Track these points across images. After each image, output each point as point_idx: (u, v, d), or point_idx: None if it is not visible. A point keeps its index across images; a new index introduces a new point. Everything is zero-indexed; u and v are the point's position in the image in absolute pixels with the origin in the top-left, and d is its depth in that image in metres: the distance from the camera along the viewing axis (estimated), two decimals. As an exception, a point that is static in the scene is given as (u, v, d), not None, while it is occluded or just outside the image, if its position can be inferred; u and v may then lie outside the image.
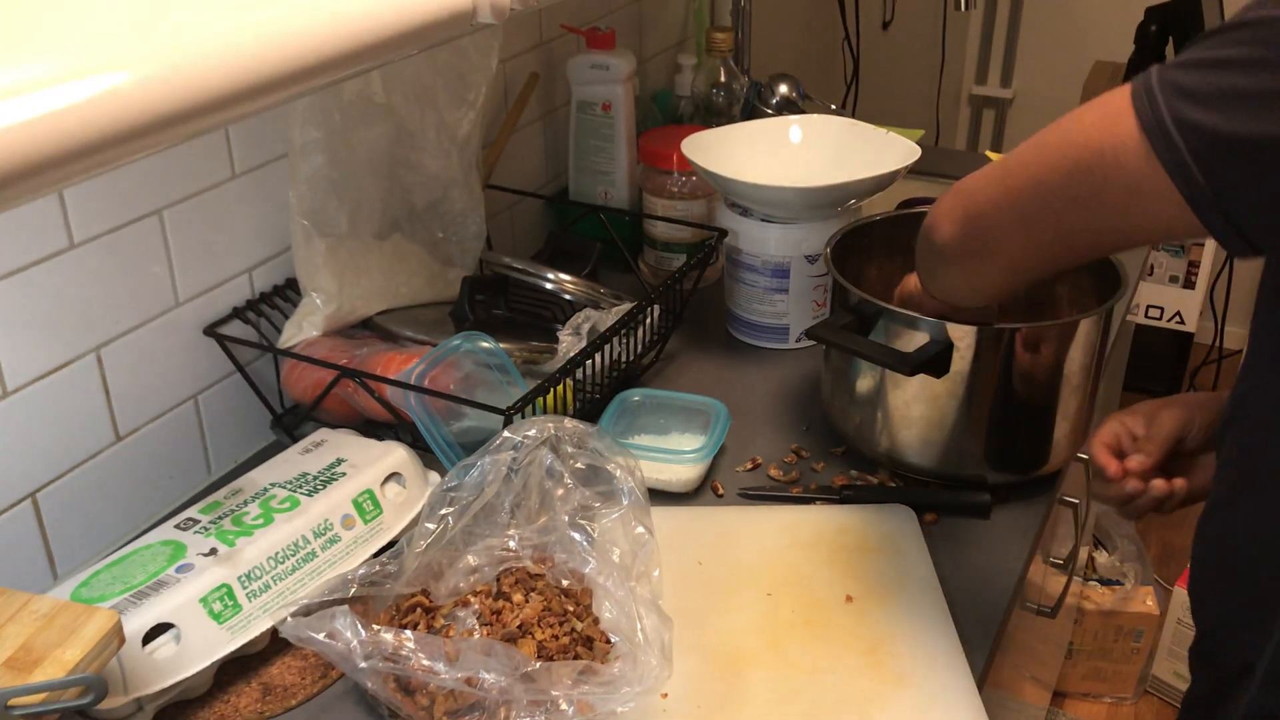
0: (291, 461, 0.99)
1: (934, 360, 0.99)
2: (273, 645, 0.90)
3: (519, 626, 0.84)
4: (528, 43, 1.45)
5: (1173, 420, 0.90)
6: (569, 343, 1.12)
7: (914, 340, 1.00)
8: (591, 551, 0.88)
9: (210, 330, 1.07)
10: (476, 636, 0.83)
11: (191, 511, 0.93)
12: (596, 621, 0.86)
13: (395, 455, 1.00)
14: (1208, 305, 2.68)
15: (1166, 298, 2.57)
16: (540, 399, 1.01)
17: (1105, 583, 2.16)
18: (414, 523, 0.94)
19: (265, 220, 1.12)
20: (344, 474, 0.97)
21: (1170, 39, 2.20)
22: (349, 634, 0.77)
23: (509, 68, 1.42)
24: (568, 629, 0.85)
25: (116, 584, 0.84)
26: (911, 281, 0.99)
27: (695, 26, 1.82)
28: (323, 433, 1.04)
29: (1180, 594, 2.09)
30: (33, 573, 0.96)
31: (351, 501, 0.95)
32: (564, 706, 0.77)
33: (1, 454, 0.91)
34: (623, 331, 1.14)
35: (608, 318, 1.15)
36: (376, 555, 0.93)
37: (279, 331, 1.12)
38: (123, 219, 0.97)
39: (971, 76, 2.98)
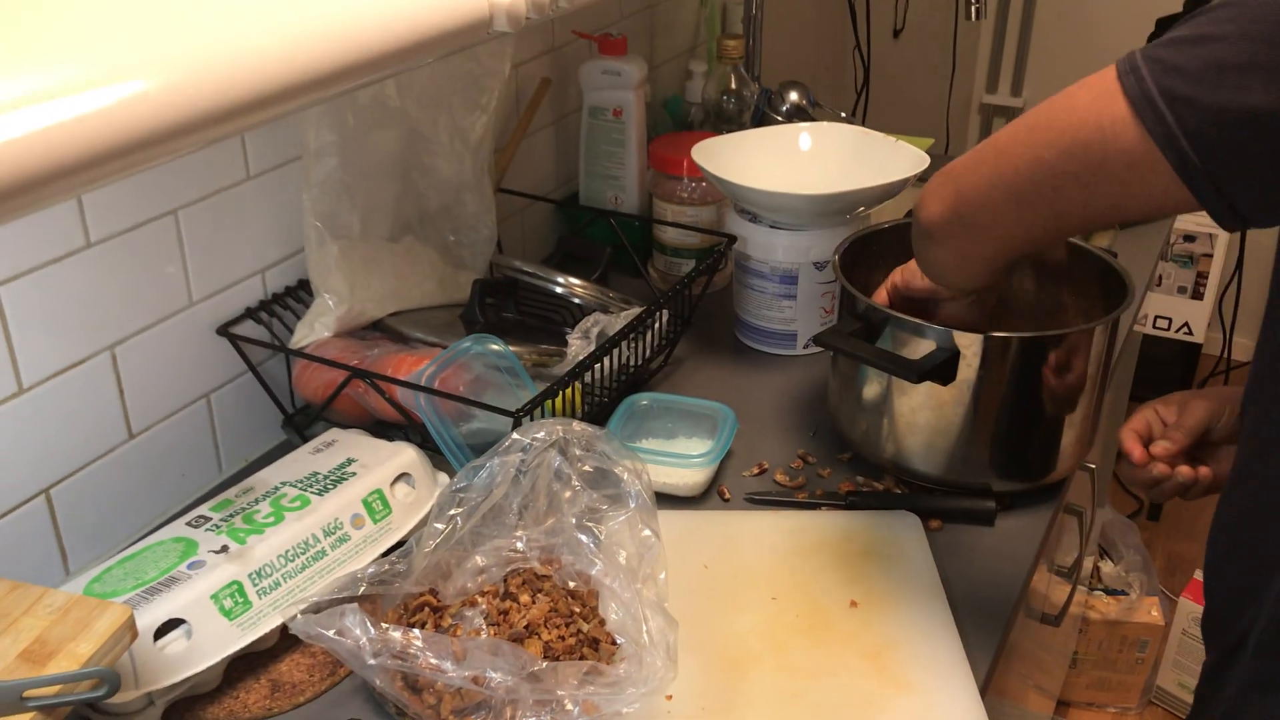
0: (302, 461, 1.00)
1: (940, 368, 1.00)
2: (282, 642, 0.90)
3: (525, 627, 0.85)
4: (540, 48, 1.46)
5: (1202, 409, 0.93)
6: (578, 346, 1.13)
7: (921, 348, 1.01)
8: (598, 553, 0.89)
9: (223, 330, 1.08)
10: (483, 636, 0.84)
11: (203, 509, 0.94)
12: (602, 623, 0.87)
13: (405, 456, 1.01)
14: (1216, 316, 2.68)
15: (1174, 308, 2.57)
16: (549, 402, 1.02)
17: (1110, 592, 2.16)
18: (423, 523, 0.95)
19: (279, 222, 1.13)
20: (354, 474, 0.98)
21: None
22: (358, 631, 0.78)
23: (521, 73, 1.43)
24: (574, 630, 0.86)
25: (129, 579, 0.85)
26: (898, 274, 1.01)
27: (707, 33, 1.83)
28: (333, 433, 1.05)
29: (1186, 605, 2.09)
30: (46, 568, 0.97)
31: (361, 501, 0.96)
32: (569, 706, 0.78)
33: (16, 450, 0.93)
34: (631, 335, 1.15)
35: (616, 322, 1.16)
36: (385, 554, 0.94)
37: (291, 332, 1.13)
38: (138, 219, 0.99)
39: (982, 85, 2.99)
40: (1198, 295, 2.55)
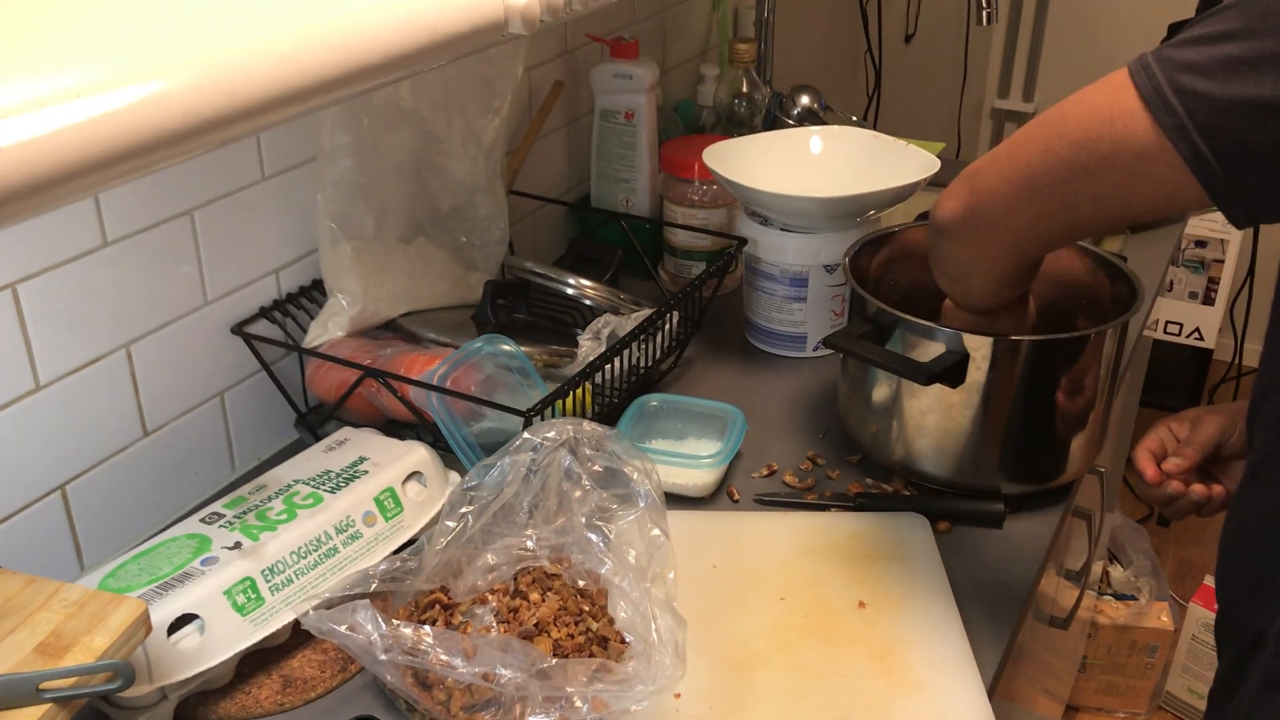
0: (315, 459, 1.01)
1: (950, 370, 1.00)
2: (294, 638, 0.91)
3: (535, 625, 0.86)
4: (552, 51, 1.47)
5: (1214, 425, 0.95)
6: (589, 347, 1.14)
7: (930, 350, 1.01)
8: (608, 553, 0.89)
9: (238, 329, 1.09)
10: (494, 634, 0.84)
11: (216, 506, 0.95)
12: (612, 621, 0.88)
13: (416, 454, 1.01)
14: (1227, 321, 2.68)
15: (1185, 314, 2.57)
16: (559, 402, 1.03)
17: (1120, 597, 2.15)
18: (434, 521, 0.96)
19: (293, 222, 1.14)
20: (366, 472, 0.98)
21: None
22: (370, 627, 0.79)
23: (534, 76, 1.44)
24: (583, 628, 0.87)
25: (143, 575, 0.86)
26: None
27: (718, 37, 1.83)
28: (345, 431, 1.06)
29: (1195, 610, 2.09)
30: (61, 563, 0.98)
31: (373, 499, 0.96)
32: (578, 704, 0.78)
33: (32, 447, 0.94)
34: (641, 337, 1.16)
35: (627, 323, 1.16)
36: (397, 552, 0.94)
37: (304, 331, 1.14)
38: (155, 218, 1.00)
39: (994, 90, 2.99)
40: (1209, 301, 2.55)
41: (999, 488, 1.07)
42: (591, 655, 0.85)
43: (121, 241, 0.97)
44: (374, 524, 0.96)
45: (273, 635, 0.88)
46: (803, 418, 1.23)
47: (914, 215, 1.56)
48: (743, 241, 1.32)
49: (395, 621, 0.80)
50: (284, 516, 0.92)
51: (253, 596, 0.86)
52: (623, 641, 0.86)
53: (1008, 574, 1.01)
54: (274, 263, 1.13)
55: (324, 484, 0.97)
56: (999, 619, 0.96)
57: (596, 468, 0.93)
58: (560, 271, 1.29)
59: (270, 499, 0.95)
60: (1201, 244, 2.50)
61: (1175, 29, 2.24)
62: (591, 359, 1.10)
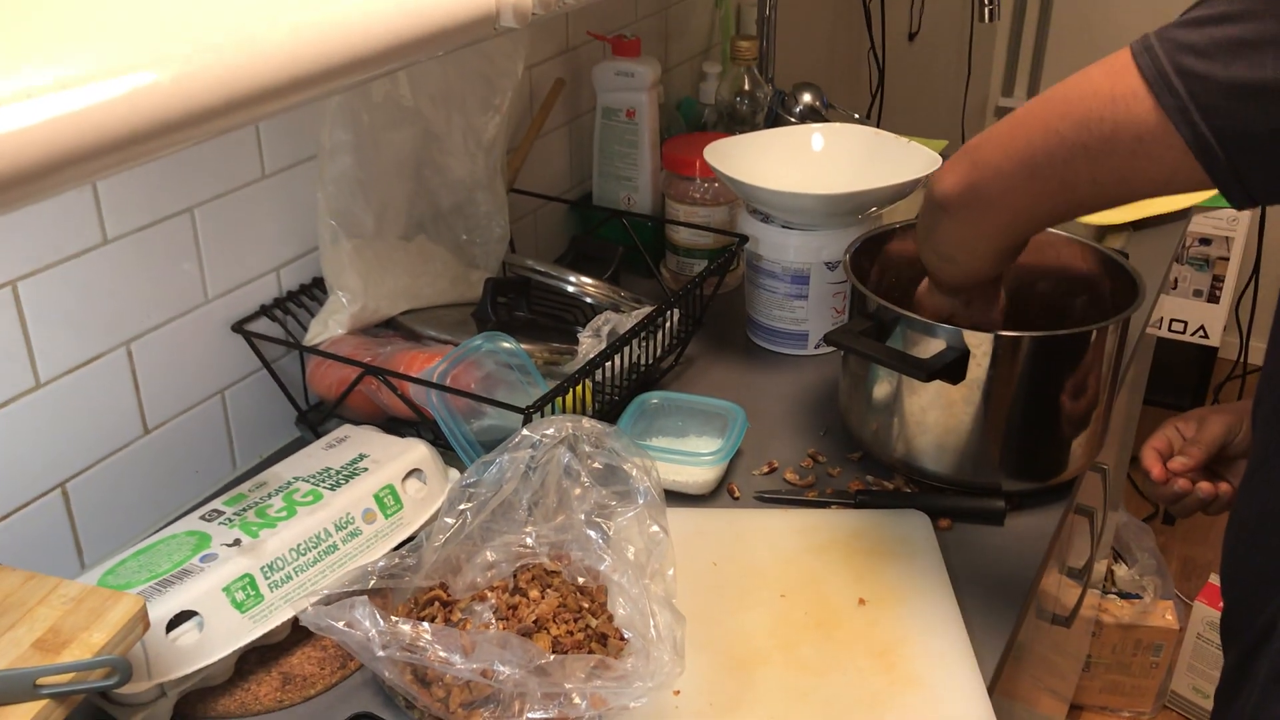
0: (315, 456, 1.01)
1: (950, 367, 1.00)
2: (293, 635, 0.91)
3: (535, 622, 0.86)
4: (554, 49, 1.47)
5: (1220, 425, 0.96)
6: (589, 344, 1.14)
7: (931, 347, 1.01)
8: (607, 549, 0.89)
9: (238, 327, 1.09)
10: (492, 630, 0.84)
11: (216, 503, 0.95)
12: (611, 619, 0.88)
13: (416, 452, 1.01)
14: (1232, 319, 2.67)
15: (1190, 311, 2.56)
16: (559, 399, 1.03)
17: (1124, 596, 2.15)
18: (434, 518, 0.96)
19: (293, 220, 1.14)
20: (366, 469, 0.98)
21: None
22: (368, 623, 0.79)
23: (535, 74, 1.44)
24: (582, 625, 0.87)
25: (142, 572, 0.86)
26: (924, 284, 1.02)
27: (720, 35, 1.83)
28: (346, 429, 1.06)
29: (1200, 609, 2.08)
30: (61, 561, 0.98)
31: (373, 496, 0.96)
32: (577, 700, 0.78)
33: (33, 444, 0.94)
34: (642, 334, 1.16)
35: (627, 321, 1.16)
36: (396, 549, 0.94)
37: (305, 329, 1.14)
38: (155, 216, 1.00)
39: (998, 88, 2.99)
40: (1213, 299, 2.54)
41: (1000, 485, 1.07)
42: (591, 652, 0.84)
43: (122, 239, 0.97)
44: (374, 521, 0.96)
45: (272, 632, 0.88)
46: (804, 415, 1.23)
47: (915, 212, 1.56)
48: (744, 239, 1.31)
49: (394, 618, 0.80)
50: (284, 514, 0.92)
51: (252, 593, 0.86)
52: (622, 638, 0.86)
53: (1008, 571, 1.01)
54: (274, 260, 1.13)
55: (324, 481, 0.97)
56: (1000, 616, 0.96)
57: (596, 465, 0.93)
58: (561, 269, 1.29)
59: (270, 496, 0.95)
60: (1206, 241, 2.50)
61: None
62: (591, 356, 1.10)
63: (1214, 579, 2.13)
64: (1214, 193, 0.69)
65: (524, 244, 1.47)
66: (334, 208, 1.11)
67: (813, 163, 1.41)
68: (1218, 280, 2.52)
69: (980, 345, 1.00)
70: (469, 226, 1.26)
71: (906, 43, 2.84)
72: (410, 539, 0.96)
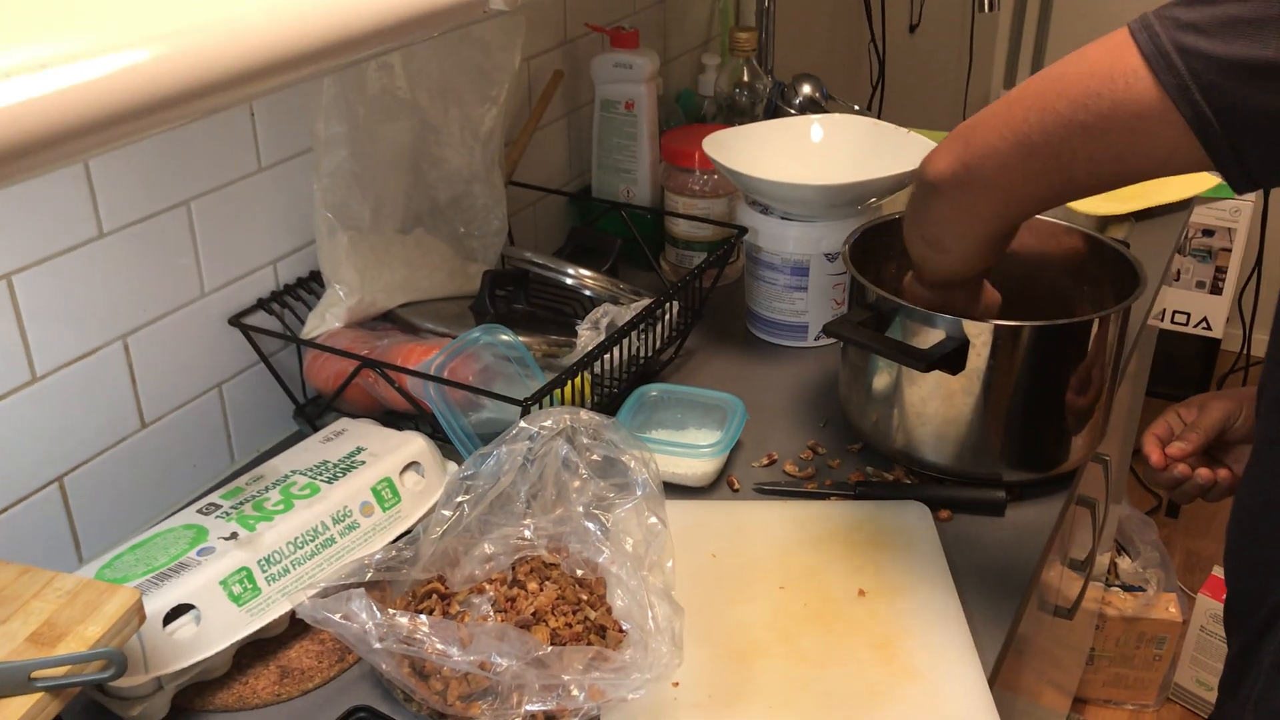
0: (312, 450, 1.01)
1: (949, 357, 1.00)
2: (291, 629, 0.91)
3: (533, 614, 0.85)
4: (552, 41, 1.47)
5: (1219, 410, 0.96)
6: (587, 337, 1.13)
7: (930, 337, 1.01)
8: (605, 541, 0.89)
9: (235, 320, 1.09)
10: (491, 622, 0.84)
11: (213, 497, 0.95)
12: (610, 611, 0.87)
13: (414, 445, 1.01)
14: (1235, 311, 2.66)
15: (1193, 303, 2.55)
16: (558, 391, 1.02)
17: (1128, 589, 2.14)
18: (432, 511, 0.95)
19: (290, 213, 1.13)
20: (363, 462, 0.98)
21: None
22: (364, 616, 0.79)
23: (533, 66, 1.44)
24: (581, 617, 0.86)
25: (139, 565, 0.86)
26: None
27: (719, 26, 1.83)
28: (343, 422, 1.06)
29: (1204, 601, 2.08)
30: (59, 555, 0.98)
31: (370, 489, 0.96)
32: (575, 692, 0.78)
33: (30, 438, 0.93)
34: (641, 326, 1.15)
35: (626, 313, 1.16)
36: (394, 542, 0.94)
37: (302, 322, 1.14)
38: (151, 210, 0.99)
39: (1000, 79, 2.97)
40: (1216, 290, 2.53)
41: (1000, 475, 1.07)
42: (589, 644, 0.84)
43: (118, 233, 0.97)
44: (371, 514, 0.95)
45: (270, 625, 0.88)
46: (803, 407, 1.23)
47: (916, 204, 1.55)
48: (743, 231, 1.31)
49: (391, 610, 0.80)
50: (281, 507, 0.92)
51: (249, 587, 0.86)
52: (621, 631, 0.86)
53: (1009, 562, 1.01)
54: (271, 254, 1.13)
55: (321, 474, 0.96)
56: (1000, 608, 0.95)
57: (594, 457, 0.92)
58: (559, 262, 1.28)
59: (267, 489, 0.95)
60: (1209, 233, 2.49)
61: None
62: (590, 349, 1.10)
63: (1217, 571, 2.13)
64: (1216, 183, 0.68)
65: (523, 236, 1.47)
66: (330, 201, 1.10)
67: (812, 154, 1.40)
68: (1220, 272, 2.51)
69: (980, 335, 1.00)
70: (467, 219, 1.25)
71: (907, 34, 2.83)
72: (408, 532, 0.96)
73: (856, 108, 1.67)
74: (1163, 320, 2.57)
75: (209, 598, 0.84)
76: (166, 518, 0.95)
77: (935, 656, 0.88)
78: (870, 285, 1.06)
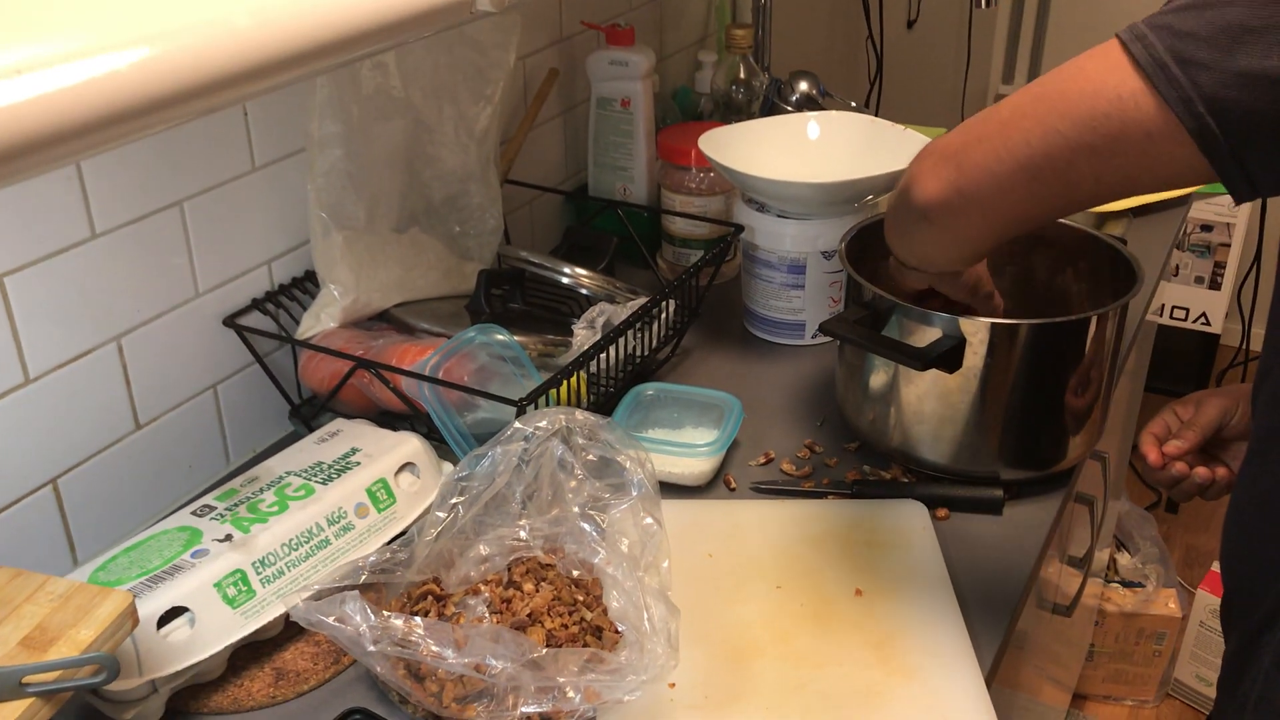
0: (307, 450, 1.01)
1: (946, 356, 0.99)
2: (286, 631, 0.91)
3: (529, 615, 0.85)
4: (547, 39, 1.46)
5: (1216, 408, 0.95)
6: (583, 336, 1.13)
7: (927, 336, 1.00)
8: (601, 542, 0.88)
9: (229, 321, 1.09)
10: (486, 624, 0.84)
11: (208, 498, 0.94)
12: (606, 612, 0.87)
13: (409, 445, 1.01)
14: (1234, 306, 2.66)
15: (1191, 298, 2.55)
16: (554, 391, 1.02)
17: (1127, 584, 2.14)
18: (427, 512, 0.95)
19: (284, 213, 1.13)
20: (358, 463, 0.98)
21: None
22: (358, 618, 0.78)
23: (529, 64, 1.43)
24: (577, 618, 0.86)
25: (133, 568, 0.85)
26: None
27: (716, 23, 1.82)
28: (338, 423, 1.05)
29: (1203, 597, 2.07)
30: (54, 557, 0.98)
31: (365, 490, 0.96)
32: (571, 694, 0.78)
33: (23, 440, 0.93)
34: (637, 325, 1.15)
35: (622, 312, 1.15)
36: (389, 544, 0.94)
37: (297, 323, 1.13)
38: (144, 210, 0.99)
39: (998, 75, 2.97)
40: (1215, 285, 2.53)
41: (998, 474, 1.06)
42: (586, 645, 0.84)
43: (110, 233, 0.96)
44: (366, 515, 0.95)
45: (265, 627, 0.88)
46: (801, 406, 1.22)
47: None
48: (740, 229, 1.30)
49: (385, 613, 0.80)
50: (275, 508, 0.92)
51: (243, 589, 0.86)
52: (617, 632, 0.85)
53: (1007, 561, 1.00)
54: (265, 254, 1.13)
55: (316, 475, 0.96)
56: (998, 607, 0.95)
57: (590, 457, 0.92)
58: (555, 261, 1.28)
59: (262, 491, 0.94)
60: (1207, 228, 2.48)
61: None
62: (586, 348, 1.09)
63: (1216, 567, 2.13)
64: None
65: (519, 235, 1.46)
66: (325, 200, 1.10)
67: (809, 151, 1.40)
68: (1219, 267, 2.51)
69: (977, 333, 0.99)
70: (462, 218, 1.25)
71: (905, 30, 2.82)
72: (403, 533, 0.95)
73: (854, 104, 1.67)
74: (1161, 315, 2.56)
75: (203, 600, 0.84)
76: (161, 519, 0.95)
77: (933, 656, 0.88)
78: (867, 284, 1.05)
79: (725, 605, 0.94)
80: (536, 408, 0.98)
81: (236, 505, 0.93)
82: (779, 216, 1.29)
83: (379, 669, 0.80)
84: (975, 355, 1.00)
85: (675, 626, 0.81)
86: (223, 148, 1.05)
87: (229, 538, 0.88)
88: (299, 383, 1.15)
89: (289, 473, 0.97)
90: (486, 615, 0.85)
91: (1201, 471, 0.95)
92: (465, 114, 1.20)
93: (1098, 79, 0.68)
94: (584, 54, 1.50)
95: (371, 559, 0.87)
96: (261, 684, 0.88)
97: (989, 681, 0.87)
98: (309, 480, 0.95)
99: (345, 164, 1.10)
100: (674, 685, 0.85)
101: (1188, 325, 2.60)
